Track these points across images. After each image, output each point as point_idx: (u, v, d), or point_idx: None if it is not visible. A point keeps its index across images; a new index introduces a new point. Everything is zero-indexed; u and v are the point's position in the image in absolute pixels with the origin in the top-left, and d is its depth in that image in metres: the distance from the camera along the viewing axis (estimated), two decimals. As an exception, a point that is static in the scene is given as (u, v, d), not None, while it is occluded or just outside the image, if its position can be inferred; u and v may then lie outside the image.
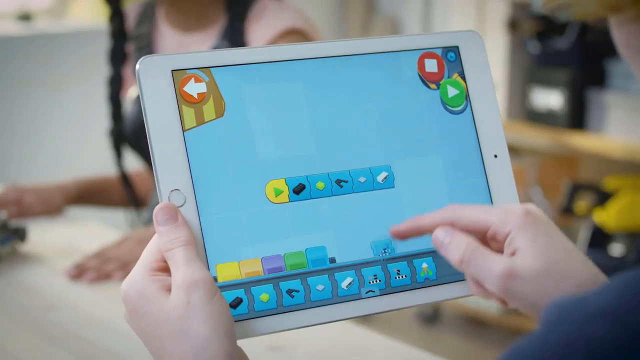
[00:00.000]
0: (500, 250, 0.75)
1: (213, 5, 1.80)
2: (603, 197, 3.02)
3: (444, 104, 0.83)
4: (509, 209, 0.75)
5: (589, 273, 0.73)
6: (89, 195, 1.95)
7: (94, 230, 1.80)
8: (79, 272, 1.52)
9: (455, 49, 0.84)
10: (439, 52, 0.84)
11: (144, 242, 1.58)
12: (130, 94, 1.89)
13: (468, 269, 0.74)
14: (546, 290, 0.71)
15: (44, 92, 3.27)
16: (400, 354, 1.24)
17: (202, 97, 0.77)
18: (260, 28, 1.74)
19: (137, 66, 0.75)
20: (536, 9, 3.20)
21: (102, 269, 1.53)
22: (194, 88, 0.77)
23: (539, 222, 0.74)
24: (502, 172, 0.84)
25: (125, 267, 1.53)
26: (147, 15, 1.88)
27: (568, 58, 3.10)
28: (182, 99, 0.76)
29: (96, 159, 2.76)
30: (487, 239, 0.76)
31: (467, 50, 0.84)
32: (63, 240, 1.73)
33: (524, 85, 3.24)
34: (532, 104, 3.18)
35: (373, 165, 0.80)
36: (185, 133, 0.76)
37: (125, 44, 1.85)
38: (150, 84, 0.75)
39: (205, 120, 0.77)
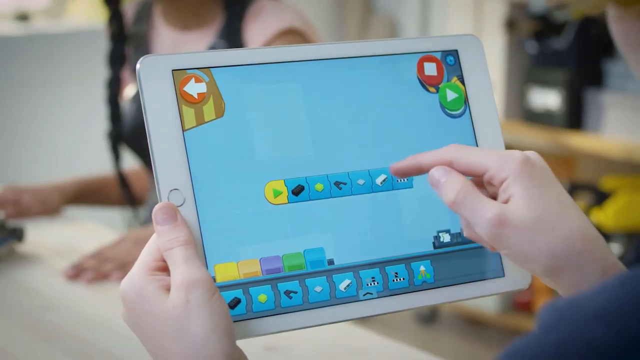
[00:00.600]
0: (495, 195, 0.75)
1: (211, 4, 1.79)
2: (601, 197, 3.03)
3: (443, 107, 0.83)
4: (509, 154, 0.75)
5: (580, 227, 0.73)
6: (87, 194, 1.95)
7: (92, 230, 1.80)
8: (76, 273, 1.53)
9: (454, 53, 0.84)
10: (438, 55, 0.84)
11: (141, 242, 1.58)
12: (127, 92, 1.88)
13: (460, 210, 0.74)
14: (535, 240, 0.72)
15: (42, 92, 3.27)
16: (398, 354, 1.24)
17: (202, 97, 0.77)
18: (258, 28, 1.74)
19: (138, 66, 0.75)
20: (534, 9, 3.20)
21: (100, 269, 1.53)
22: (194, 88, 0.77)
23: (536, 171, 0.74)
24: None
25: (123, 268, 1.53)
26: (144, 14, 1.88)
27: (566, 58, 3.10)
28: (182, 98, 0.76)
29: (94, 159, 2.76)
30: (484, 183, 0.76)
31: (466, 54, 0.85)
32: (61, 240, 1.73)
33: (521, 85, 3.24)
34: (530, 104, 3.19)
35: (372, 167, 0.80)
36: (185, 133, 0.76)
37: (124, 46, 1.85)
38: (151, 83, 0.75)
39: (205, 121, 0.77)
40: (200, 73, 0.77)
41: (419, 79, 0.83)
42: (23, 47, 3.24)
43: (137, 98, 1.84)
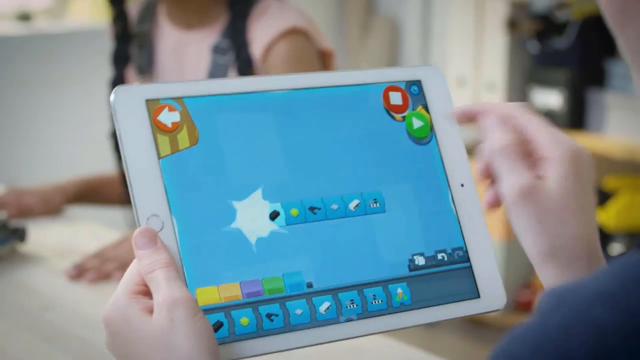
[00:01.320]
0: (531, 167, 0.78)
1: (215, 3, 1.79)
2: (602, 197, 3.03)
3: (409, 135, 0.86)
4: (564, 138, 0.78)
5: (589, 236, 0.76)
6: (88, 194, 1.95)
7: (93, 230, 1.81)
8: (78, 273, 1.53)
9: (418, 83, 0.87)
10: (402, 85, 0.87)
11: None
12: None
13: (499, 161, 0.77)
14: (549, 226, 0.75)
15: (43, 92, 3.27)
16: (399, 354, 1.24)
17: (176, 126, 0.78)
18: (262, 27, 1.74)
19: (112, 96, 0.76)
20: (535, 9, 3.20)
21: (102, 269, 1.53)
22: (167, 117, 0.78)
23: (581, 167, 0.77)
24: (469, 201, 0.86)
25: (125, 268, 1.52)
26: (148, 13, 1.88)
27: (567, 58, 3.10)
28: (157, 127, 0.77)
29: (95, 159, 2.76)
30: (529, 152, 0.79)
31: (430, 84, 0.88)
32: (62, 240, 1.73)
33: (523, 85, 3.24)
34: (532, 104, 3.19)
35: (345, 193, 0.82)
36: (160, 160, 0.77)
37: (128, 45, 1.85)
38: (125, 113, 0.77)
39: (180, 148, 0.78)
40: (174, 102, 0.78)
41: (385, 108, 0.86)
42: (24, 47, 3.24)
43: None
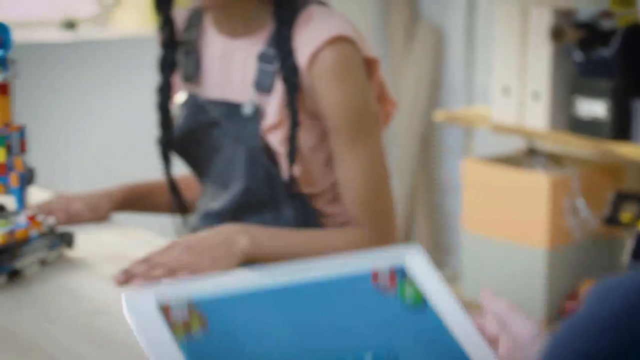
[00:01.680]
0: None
1: (260, 11, 1.79)
2: (648, 208, 3.00)
3: (405, 307, 0.97)
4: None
5: None
6: (136, 201, 1.96)
7: (141, 236, 1.81)
8: (126, 278, 1.53)
9: (402, 265, 0.99)
10: (387, 269, 0.99)
11: (190, 248, 1.59)
12: (177, 99, 1.89)
13: (516, 314, 0.94)
14: None
15: (88, 99, 3.30)
16: None
17: (188, 321, 0.91)
18: (308, 35, 1.73)
19: (124, 303, 0.89)
20: (580, 18, 3.18)
21: (150, 274, 1.53)
22: (179, 315, 0.90)
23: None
24: (479, 348, 0.96)
25: (172, 274, 1.53)
26: (195, 21, 1.89)
27: (612, 67, 3.07)
28: (169, 322, 0.90)
29: (141, 165, 2.78)
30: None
31: (412, 264, 0.99)
32: (110, 246, 1.74)
33: (568, 94, 3.21)
34: (576, 114, 3.16)
35: (355, 357, 0.93)
36: (177, 341, 0.89)
37: (174, 52, 1.86)
38: (139, 314, 0.90)
39: (193, 332, 0.90)
40: (182, 302, 0.92)
41: (376, 288, 0.97)
42: (70, 54, 3.27)
43: (187, 104, 1.84)
